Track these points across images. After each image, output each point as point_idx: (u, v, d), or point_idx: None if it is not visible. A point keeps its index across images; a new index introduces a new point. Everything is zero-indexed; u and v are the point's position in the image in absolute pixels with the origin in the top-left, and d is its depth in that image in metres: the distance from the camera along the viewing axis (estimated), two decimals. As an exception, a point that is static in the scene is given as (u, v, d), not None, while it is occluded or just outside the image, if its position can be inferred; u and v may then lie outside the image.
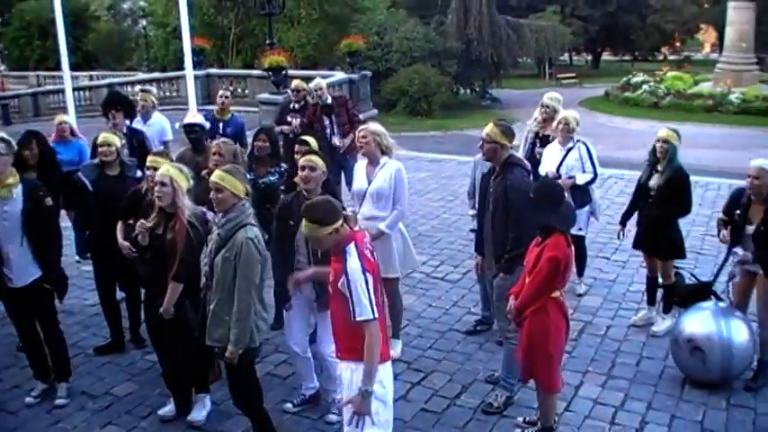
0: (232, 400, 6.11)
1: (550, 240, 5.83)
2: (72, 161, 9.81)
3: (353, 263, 4.74)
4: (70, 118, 11.07)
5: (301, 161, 6.43)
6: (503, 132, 6.76)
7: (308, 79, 24.58)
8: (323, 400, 6.82)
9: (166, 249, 6.13)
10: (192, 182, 6.31)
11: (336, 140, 11.46)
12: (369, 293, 4.72)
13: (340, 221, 4.83)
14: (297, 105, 11.84)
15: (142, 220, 6.34)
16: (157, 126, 10.84)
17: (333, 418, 6.55)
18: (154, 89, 11.89)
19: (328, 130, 11.51)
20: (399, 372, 7.35)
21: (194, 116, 9.15)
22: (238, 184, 5.58)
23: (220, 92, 11.85)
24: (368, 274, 4.75)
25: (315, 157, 6.38)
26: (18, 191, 6.65)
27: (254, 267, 5.54)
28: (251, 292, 5.55)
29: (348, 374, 4.92)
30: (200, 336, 5.86)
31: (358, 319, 4.71)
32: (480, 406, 6.83)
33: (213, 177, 5.63)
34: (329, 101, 11.65)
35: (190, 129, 8.70)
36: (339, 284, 4.77)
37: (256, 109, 22.61)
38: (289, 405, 6.81)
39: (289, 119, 11.64)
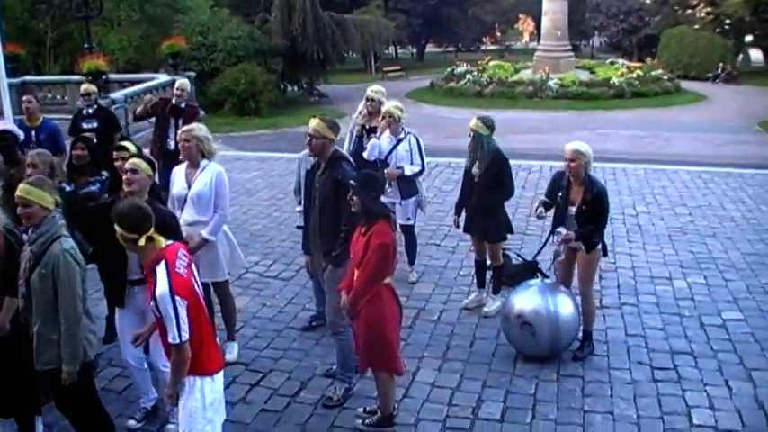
0: (71, 422, 5.79)
1: (376, 228, 5.89)
2: None
3: (161, 286, 4.69)
4: None
5: (126, 164, 6.24)
6: (329, 127, 6.79)
7: (131, 82, 24.08)
8: (162, 410, 6.63)
9: None
10: (1, 191, 6.02)
11: (173, 144, 11.19)
12: (177, 316, 4.68)
13: (151, 230, 4.78)
14: (90, 110, 11.51)
15: None
16: None
17: (171, 428, 6.39)
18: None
19: (171, 132, 11.22)
20: (237, 374, 7.28)
21: (4, 124, 8.71)
22: (46, 196, 5.33)
23: (24, 97, 11.35)
24: (177, 297, 4.69)
25: (138, 161, 6.22)
26: None
27: (76, 279, 5.27)
28: (77, 305, 5.27)
29: (187, 388, 4.90)
30: (27, 361, 5.54)
31: (170, 341, 4.71)
32: (320, 401, 6.84)
33: (19, 192, 5.33)
34: (183, 105, 11.45)
35: (1, 136, 8.28)
36: (152, 306, 4.73)
37: (77, 116, 21.79)
38: (132, 422, 6.57)
39: (84, 125, 11.22)
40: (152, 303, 4.73)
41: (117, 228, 4.79)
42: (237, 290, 8.84)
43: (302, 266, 9.30)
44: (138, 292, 6.16)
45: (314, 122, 6.85)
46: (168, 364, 5.15)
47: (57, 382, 5.39)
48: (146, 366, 6.52)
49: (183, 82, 12.00)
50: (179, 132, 7.43)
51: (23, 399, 6.20)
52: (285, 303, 9.04)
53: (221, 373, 5.15)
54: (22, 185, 5.40)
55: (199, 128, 7.25)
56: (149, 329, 5.60)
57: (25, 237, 5.89)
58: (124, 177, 6.20)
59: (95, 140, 9.91)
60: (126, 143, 7.50)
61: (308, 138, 6.84)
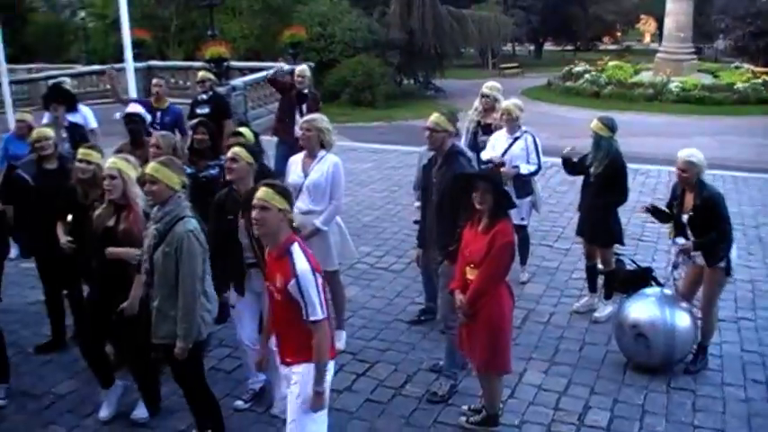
0: (184, 394, 6.00)
1: (500, 227, 5.82)
2: (23, 156, 9.60)
3: (302, 264, 4.73)
4: (29, 116, 10.88)
5: (228, 153, 6.39)
6: (449, 120, 6.80)
7: (251, 70, 24.54)
8: (269, 392, 6.76)
9: (120, 241, 6.02)
10: (139, 170, 6.21)
11: (298, 132, 11.37)
12: (319, 294, 4.74)
13: (288, 206, 4.85)
14: (204, 96, 11.76)
15: (66, 239, 6.55)
16: (82, 114, 10.68)
17: (276, 412, 6.51)
18: (68, 80, 11.69)
19: (297, 116, 11.43)
20: (344, 363, 7.34)
21: (134, 107, 9.04)
22: (173, 176, 5.49)
23: (154, 80, 11.69)
24: (317, 274, 4.77)
25: (239, 149, 6.32)
26: None
27: (197, 260, 5.44)
28: (196, 284, 5.45)
29: (298, 376, 4.91)
30: (144, 332, 5.74)
31: (311, 318, 4.73)
32: (425, 395, 6.84)
33: (147, 169, 5.53)
34: (306, 91, 11.66)
35: (129, 119, 8.59)
36: (289, 287, 4.73)
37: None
38: (239, 402, 6.73)
39: (198, 111, 11.50)
40: (291, 283, 4.72)
41: (277, 201, 4.82)
42: (348, 280, 8.92)
43: (413, 260, 9.34)
44: (253, 275, 6.29)
45: (434, 116, 6.86)
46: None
47: (171, 356, 5.59)
48: (258, 347, 6.61)
49: (302, 68, 12.20)
50: (301, 122, 7.51)
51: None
52: (395, 296, 9.08)
53: (333, 361, 5.17)
54: (151, 164, 5.59)
55: (321, 119, 7.32)
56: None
57: None
58: (225, 165, 6.36)
59: None
60: (243, 129, 7.67)
61: (428, 131, 6.83)
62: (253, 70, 24.93)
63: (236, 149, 6.29)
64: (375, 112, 31.88)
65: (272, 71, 12.06)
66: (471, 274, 5.96)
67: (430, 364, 7.38)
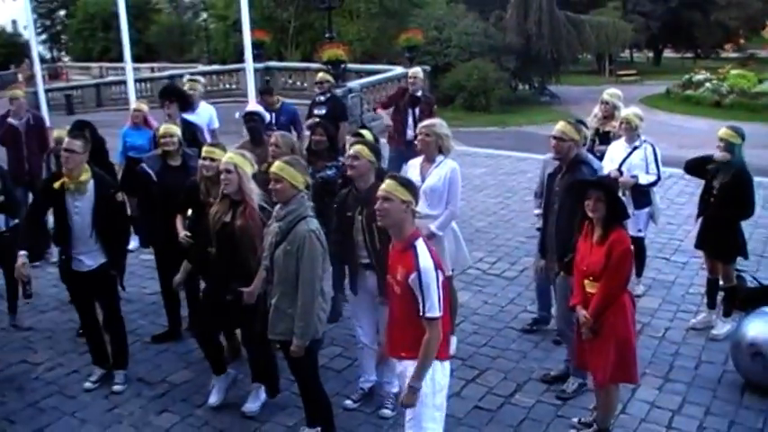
0: (299, 389, 6.11)
1: (615, 235, 5.71)
2: (141, 147, 10.16)
3: (426, 260, 4.77)
4: (144, 106, 11.31)
5: (350, 150, 6.44)
6: (576, 130, 6.72)
7: (367, 73, 24.74)
8: (378, 394, 6.82)
9: (236, 236, 6.17)
10: (255, 167, 6.36)
11: (410, 135, 11.49)
12: (439, 291, 4.77)
13: (412, 198, 4.91)
14: (322, 98, 11.89)
15: (184, 234, 6.73)
16: (205, 115, 10.98)
17: (387, 413, 6.58)
18: (201, 79, 12.05)
19: (410, 120, 11.51)
20: (454, 368, 7.21)
21: (254, 106, 9.24)
22: (298, 176, 5.58)
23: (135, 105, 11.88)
24: (439, 272, 4.80)
25: (360, 147, 6.34)
26: (90, 186, 6.78)
27: (318, 259, 5.53)
28: (315, 284, 5.55)
29: (412, 371, 4.94)
30: (261, 329, 5.88)
31: (427, 315, 4.76)
32: (534, 405, 6.78)
33: (273, 168, 5.64)
34: (419, 93, 11.71)
35: (249, 117, 8.78)
36: (410, 280, 4.78)
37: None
38: (348, 402, 6.79)
39: (315, 111, 11.66)
40: (411, 277, 4.77)
41: (400, 192, 4.88)
42: (460, 285, 8.90)
43: (527, 267, 9.28)
44: (369, 275, 6.35)
45: (560, 124, 6.79)
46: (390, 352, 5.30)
47: (287, 353, 5.71)
48: (376, 347, 6.65)
49: (415, 70, 12.24)
50: (420, 126, 7.52)
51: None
52: (506, 303, 9.02)
53: (449, 361, 5.18)
54: (277, 162, 5.69)
55: (440, 124, 7.31)
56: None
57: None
58: (346, 163, 6.41)
59: None
60: (363, 131, 7.74)
61: (554, 140, 6.76)
62: (369, 73, 25.13)
63: (358, 147, 6.33)
64: (489, 117, 31.75)
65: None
66: (591, 288, 5.85)
67: (541, 373, 7.30)
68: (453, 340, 7.66)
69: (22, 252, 6.78)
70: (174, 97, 9.76)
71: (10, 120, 10.39)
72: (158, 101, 10.06)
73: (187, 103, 10.18)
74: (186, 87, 11.08)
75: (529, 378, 7.28)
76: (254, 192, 6.19)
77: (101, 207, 6.78)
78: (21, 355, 8.12)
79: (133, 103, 11.27)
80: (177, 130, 7.91)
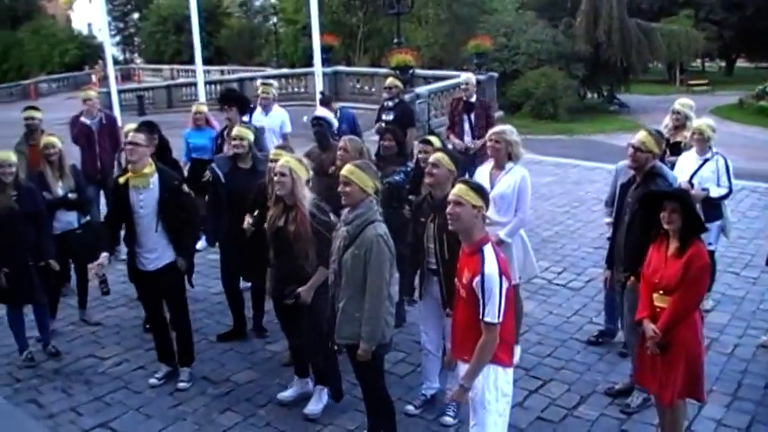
0: (363, 394, 6.11)
1: (693, 249, 5.56)
2: (204, 147, 10.51)
3: (491, 265, 4.79)
4: (205, 108, 11.52)
5: (429, 158, 6.41)
6: (656, 142, 6.61)
7: (435, 78, 24.74)
8: (440, 401, 6.78)
9: (290, 241, 6.23)
10: (311, 173, 6.42)
11: (468, 141, 11.49)
12: (501, 298, 4.77)
13: (483, 203, 4.94)
14: (390, 103, 11.92)
15: (248, 217, 6.73)
16: (278, 118, 11.11)
17: (449, 420, 6.54)
18: (275, 83, 12.21)
19: (465, 127, 11.49)
20: (517, 378, 7.19)
21: (322, 111, 9.31)
22: (368, 180, 5.58)
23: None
24: (504, 279, 4.80)
25: (441, 155, 6.32)
26: (155, 180, 6.90)
27: (386, 264, 5.52)
28: (383, 289, 5.54)
29: (478, 377, 4.93)
30: (329, 332, 5.91)
31: (485, 319, 4.77)
32: (599, 418, 6.68)
33: (343, 171, 5.67)
34: (473, 99, 11.69)
35: (316, 122, 8.85)
36: (474, 283, 4.79)
37: (380, 107, 22.77)
38: (410, 407, 6.77)
39: (383, 117, 11.69)
40: (475, 280, 4.80)
41: (472, 198, 4.91)
42: (524, 294, 8.81)
43: (593, 278, 9.16)
44: (435, 282, 6.34)
45: (642, 135, 6.66)
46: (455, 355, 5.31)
47: (353, 357, 5.72)
48: (440, 354, 6.65)
49: (467, 77, 12.25)
50: (489, 133, 7.49)
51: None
52: (572, 314, 8.92)
53: (512, 369, 5.17)
54: (347, 165, 5.72)
55: (510, 131, 7.27)
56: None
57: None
58: (426, 170, 6.37)
59: None
60: (431, 137, 7.72)
61: (632, 149, 6.65)
62: (437, 79, 25.11)
63: (439, 155, 6.30)
64: (556, 125, 31.51)
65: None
66: (661, 302, 5.69)
67: (605, 386, 7.18)
68: (517, 350, 7.62)
69: (105, 254, 6.96)
70: (234, 102, 9.90)
71: (83, 119, 10.61)
72: (219, 104, 10.20)
73: (246, 108, 10.32)
74: (259, 91, 11.20)
75: (593, 391, 7.17)
76: (306, 198, 6.23)
77: (166, 200, 6.89)
78: (89, 349, 8.32)
79: (201, 106, 11.42)
80: (249, 133, 7.98)
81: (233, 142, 7.92)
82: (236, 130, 8.04)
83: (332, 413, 6.77)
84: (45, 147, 8.42)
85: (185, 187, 7.11)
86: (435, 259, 6.24)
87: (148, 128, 7.99)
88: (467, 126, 11.62)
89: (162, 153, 8.42)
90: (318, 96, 12.19)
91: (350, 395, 6.80)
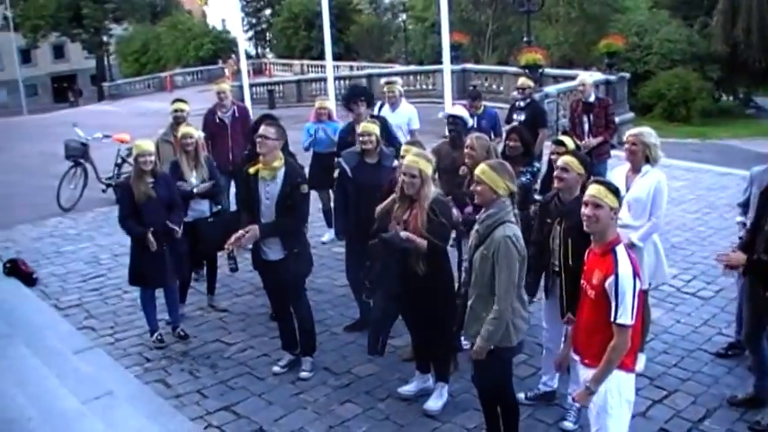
0: (481, 395, 6.09)
1: None
2: (324, 141, 10.93)
3: (625, 266, 4.74)
4: (330, 103, 11.72)
5: (558, 161, 6.34)
6: None
7: (564, 78, 24.43)
8: (557, 402, 6.77)
9: (409, 231, 6.29)
10: (433, 164, 6.46)
11: (593, 142, 11.36)
12: (634, 300, 4.71)
13: (619, 206, 4.91)
14: (522, 103, 11.88)
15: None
16: (405, 115, 11.13)
17: (568, 426, 6.47)
18: (399, 80, 12.27)
19: (585, 128, 11.38)
20: (641, 387, 7.08)
21: (459, 110, 9.34)
22: (499, 181, 5.53)
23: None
24: (637, 280, 4.74)
25: (570, 159, 6.21)
26: (281, 174, 7.07)
27: (513, 265, 5.45)
28: (509, 290, 5.48)
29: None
30: (457, 329, 5.96)
31: (618, 321, 4.70)
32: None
33: (476, 170, 5.65)
34: (591, 99, 11.56)
35: (452, 120, 8.86)
36: (606, 284, 4.73)
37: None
38: (521, 395, 6.74)
39: (514, 117, 11.60)
40: (608, 281, 4.74)
41: (610, 200, 4.87)
42: (652, 301, 8.57)
43: (724, 288, 8.90)
44: (558, 283, 6.27)
45: None
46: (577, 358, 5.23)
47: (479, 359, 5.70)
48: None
49: (582, 77, 12.29)
50: (627, 134, 7.34)
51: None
52: (700, 323, 8.63)
53: (634, 375, 5.09)
54: (482, 165, 5.71)
55: (648, 133, 7.11)
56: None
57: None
58: (555, 174, 6.30)
59: None
60: (564, 138, 7.62)
61: None
62: (566, 78, 24.74)
63: (568, 159, 6.22)
64: (688, 129, 30.70)
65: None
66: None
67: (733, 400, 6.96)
68: (642, 357, 7.45)
69: (255, 226, 7.07)
70: (363, 97, 10.02)
71: (218, 113, 10.89)
72: (345, 101, 10.34)
73: (373, 102, 10.45)
74: (384, 90, 11.31)
75: (720, 404, 6.92)
76: (428, 197, 6.29)
77: (286, 195, 7.04)
78: (216, 334, 8.62)
79: (325, 101, 11.65)
80: (376, 128, 8.04)
81: (361, 138, 8.00)
82: (362, 126, 8.12)
83: (451, 411, 6.78)
84: (183, 137, 8.74)
85: (304, 188, 7.23)
86: (559, 262, 6.18)
87: (275, 120, 8.15)
88: (586, 127, 11.50)
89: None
90: (469, 89, 12.16)
91: (469, 394, 6.79)
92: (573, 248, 5.92)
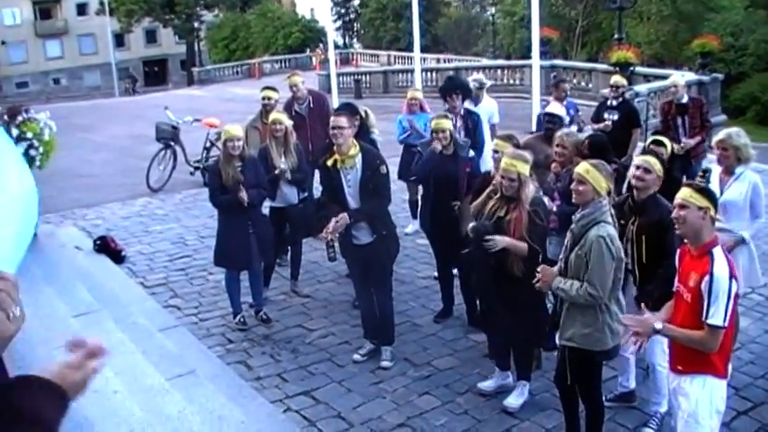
0: (562, 394, 6.04)
1: None
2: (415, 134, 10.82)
3: (722, 268, 4.62)
4: (420, 94, 11.74)
5: (637, 160, 6.24)
6: None
7: (655, 77, 23.99)
8: (637, 405, 6.68)
9: (505, 230, 6.26)
10: (530, 160, 6.40)
11: (687, 142, 11.14)
12: (728, 302, 4.58)
13: (710, 204, 4.78)
14: (614, 102, 11.67)
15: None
16: (487, 109, 11.15)
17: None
18: (482, 75, 12.21)
19: (680, 130, 11.20)
20: (725, 396, 6.94)
21: (555, 107, 9.33)
22: (602, 181, 5.44)
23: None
24: (734, 282, 4.62)
25: (654, 160, 6.10)
26: (359, 160, 7.15)
27: (604, 266, 5.35)
28: (597, 290, 5.37)
29: (693, 389, 4.81)
30: (551, 329, 5.94)
31: (709, 321, 4.58)
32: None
33: (578, 169, 5.55)
34: (684, 100, 11.34)
35: (549, 119, 8.84)
36: (702, 285, 4.62)
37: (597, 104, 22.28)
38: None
39: (605, 116, 11.42)
40: (703, 282, 4.63)
41: (696, 199, 4.77)
42: (740, 309, 8.28)
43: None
44: (631, 283, 6.19)
45: None
46: (665, 365, 5.12)
47: (572, 360, 5.65)
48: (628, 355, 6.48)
49: (674, 78, 12.05)
50: (715, 140, 7.21)
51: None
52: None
53: (726, 383, 4.97)
54: (583, 163, 5.62)
55: (736, 134, 6.99)
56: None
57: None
58: (636, 173, 6.15)
59: (612, 132, 10.50)
60: (662, 138, 7.49)
61: None
62: (657, 77, 24.27)
63: (650, 159, 6.10)
64: (782, 133, 29.83)
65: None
66: None
67: (823, 417, 6.76)
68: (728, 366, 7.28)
69: (344, 214, 7.13)
70: (459, 90, 9.98)
71: (295, 107, 10.92)
72: (442, 92, 10.31)
73: (469, 95, 10.42)
74: (471, 85, 11.27)
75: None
76: (529, 197, 6.25)
77: (368, 179, 7.11)
78: (298, 319, 8.71)
79: (416, 92, 11.65)
80: (448, 123, 8.13)
81: (435, 135, 8.08)
82: (434, 123, 8.20)
83: (530, 409, 6.72)
84: (273, 123, 8.86)
85: (383, 168, 7.24)
86: (631, 261, 6.08)
87: (349, 110, 8.18)
88: (681, 129, 11.26)
89: (360, 133, 8.63)
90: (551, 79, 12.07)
91: (550, 393, 6.72)
92: (646, 246, 5.87)
